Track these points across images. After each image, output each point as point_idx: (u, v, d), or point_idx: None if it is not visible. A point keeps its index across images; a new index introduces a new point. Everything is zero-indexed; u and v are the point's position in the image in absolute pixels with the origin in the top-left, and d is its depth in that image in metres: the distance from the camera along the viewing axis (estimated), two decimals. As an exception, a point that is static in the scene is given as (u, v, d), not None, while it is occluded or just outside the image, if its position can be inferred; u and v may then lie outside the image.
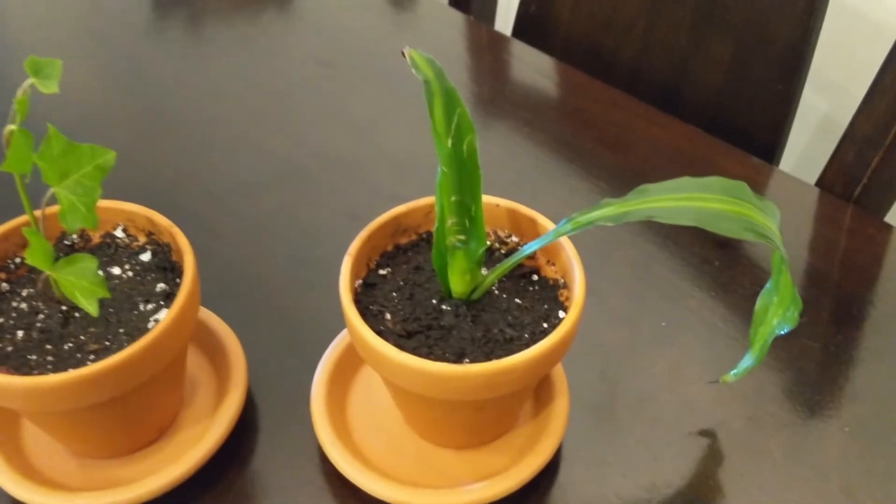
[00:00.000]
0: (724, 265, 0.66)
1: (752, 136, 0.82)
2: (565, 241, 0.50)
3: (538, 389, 0.55)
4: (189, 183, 0.73)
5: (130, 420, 0.49)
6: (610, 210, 0.45)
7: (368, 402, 0.55)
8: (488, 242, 0.53)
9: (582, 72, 0.86)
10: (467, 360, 0.46)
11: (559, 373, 0.55)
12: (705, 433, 0.55)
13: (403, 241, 0.53)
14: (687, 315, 0.62)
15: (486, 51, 0.93)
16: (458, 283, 0.48)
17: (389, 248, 0.52)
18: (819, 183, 0.75)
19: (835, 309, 0.63)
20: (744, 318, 0.62)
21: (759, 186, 0.74)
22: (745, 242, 0.69)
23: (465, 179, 0.47)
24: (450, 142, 0.46)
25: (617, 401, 0.57)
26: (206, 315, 0.57)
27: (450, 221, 0.48)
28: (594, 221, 0.45)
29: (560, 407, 0.53)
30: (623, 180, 0.74)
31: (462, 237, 0.48)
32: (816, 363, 0.59)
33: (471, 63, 0.90)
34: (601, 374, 0.58)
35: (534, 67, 0.88)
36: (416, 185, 0.72)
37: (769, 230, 0.46)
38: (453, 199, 0.47)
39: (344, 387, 0.55)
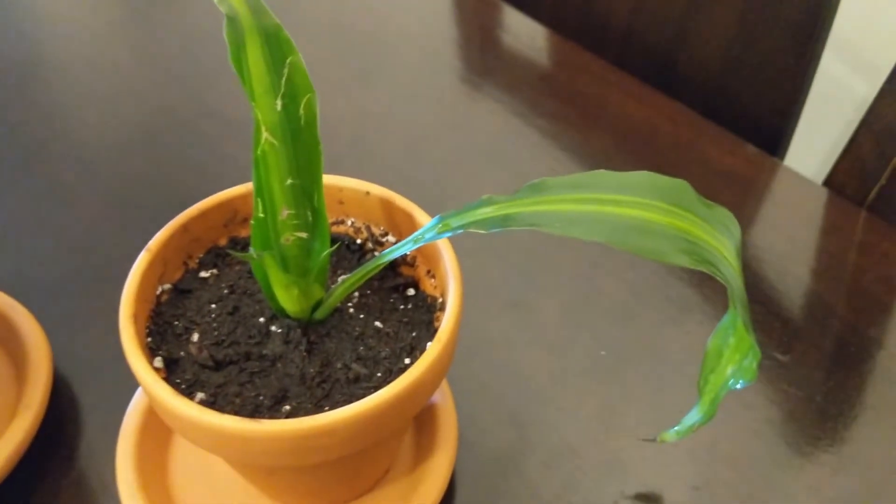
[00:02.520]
0: (695, 281, 0.53)
1: (755, 120, 0.68)
2: (445, 250, 0.37)
3: (419, 435, 0.42)
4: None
5: None
6: (488, 212, 0.32)
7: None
8: (359, 240, 0.40)
9: (565, 38, 0.72)
10: (288, 407, 0.33)
11: (448, 416, 0.42)
12: (637, 503, 0.42)
13: (244, 233, 0.40)
14: (634, 343, 0.49)
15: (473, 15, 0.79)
16: (286, 300, 0.35)
17: (223, 241, 0.40)
18: (828, 182, 0.60)
19: (829, 347, 0.50)
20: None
21: (753, 182, 0.60)
22: (726, 252, 0.55)
23: (304, 156, 0.34)
24: (279, 102, 0.33)
25: (527, 452, 0.44)
26: (13, 310, 0.45)
27: (285, 213, 0.35)
28: (468, 225, 0.32)
29: (441, 462, 0.40)
30: (582, 163, 0.60)
31: (303, 235, 0.36)
32: (796, 418, 0.46)
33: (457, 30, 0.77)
34: (511, 417, 0.45)
35: (501, 26, 0.74)
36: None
37: (716, 254, 0.32)
38: (289, 182, 0.35)
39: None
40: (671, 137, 0.62)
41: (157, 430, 0.42)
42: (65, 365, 0.46)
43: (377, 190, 0.39)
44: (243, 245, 0.40)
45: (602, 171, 0.33)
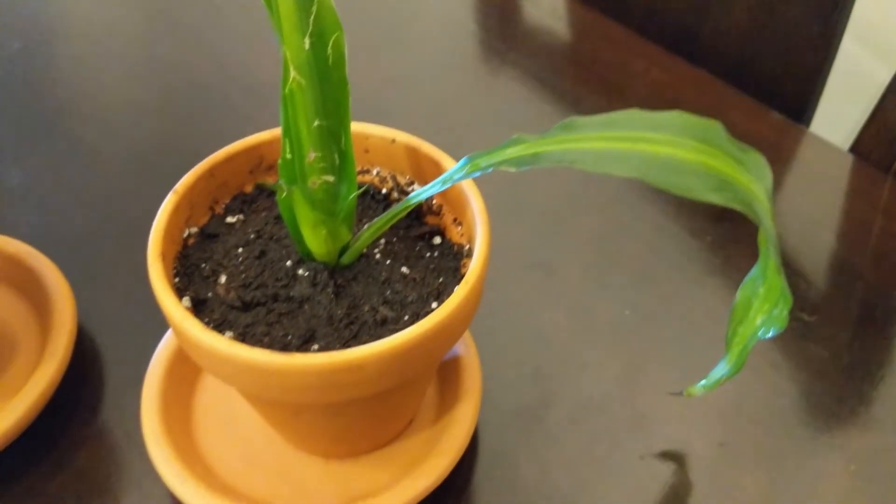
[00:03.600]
0: (719, 242, 0.52)
1: (780, 89, 0.67)
2: (471, 194, 0.36)
3: (443, 387, 0.42)
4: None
5: None
6: (518, 150, 0.31)
7: (225, 389, 0.42)
8: (385, 190, 0.40)
9: (588, 6, 0.72)
10: (316, 346, 0.33)
11: (472, 368, 0.42)
12: (661, 458, 0.42)
13: (270, 180, 0.40)
14: (659, 303, 0.49)
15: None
16: (313, 242, 0.35)
17: (248, 188, 0.39)
18: (854, 148, 0.60)
19: (855, 309, 0.49)
20: (733, 311, 0.48)
21: (778, 149, 0.59)
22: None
23: (331, 96, 0.34)
24: (307, 41, 0.33)
25: (550, 408, 0.44)
26: (37, 261, 0.46)
27: (312, 156, 0.35)
28: (498, 164, 0.32)
29: (464, 414, 0.40)
30: (608, 131, 0.60)
31: (329, 178, 0.35)
32: (822, 377, 0.45)
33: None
34: (536, 373, 0.45)
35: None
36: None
37: (750, 194, 0.32)
38: (316, 124, 0.34)
39: (194, 368, 0.43)
40: (695, 104, 0.62)
41: (181, 379, 0.42)
42: (88, 318, 0.46)
43: (403, 137, 0.39)
44: (269, 192, 0.40)
45: (634, 109, 0.32)
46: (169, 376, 0.41)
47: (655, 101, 0.62)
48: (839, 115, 0.70)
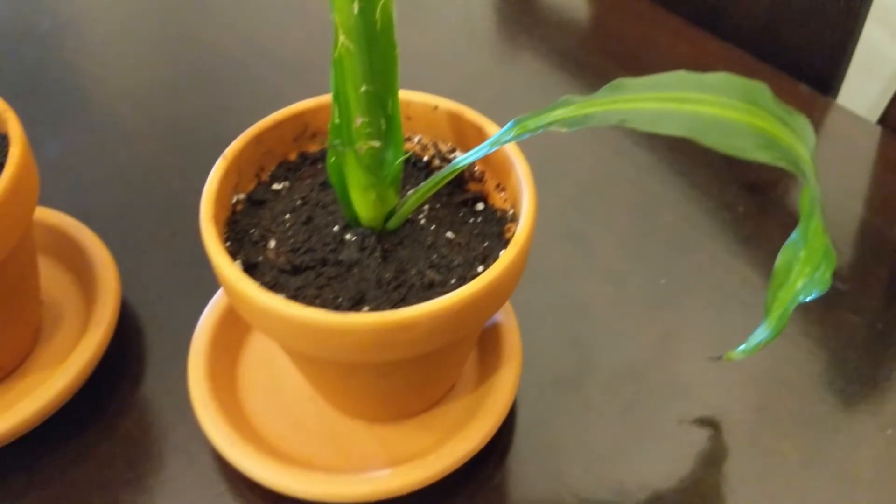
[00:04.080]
0: (750, 213, 0.52)
1: (806, 64, 0.67)
2: (516, 158, 0.37)
3: (484, 353, 0.42)
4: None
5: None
6: (568, 111, 0.32)
7: (270, 355, 0.43)
8: (426, 157, 0.40)
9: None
10: (366, 308, 0.34)
11: (511, 334, 0.42)
12: (699, 424, 0.43)
13: (313, 148, 0.40)
14: (694, 272, 0.49)
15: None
16: (362, 206, 0.35)
17: (292, 156, 0.40)
18: (882, 120, 0.60)
19: (888, 277, 0.49)
20: (767, 279, 0.49)
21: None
22: (781, 187, 0.55)
23: (379, 61, 0.34)
24: (356, 6, 0.33)
25: (588, 375, 0.44)
26: (79, 231, 0.46)
27: (359, 121, 0.35)
28: (547, 125, 0.32)
29: (506, 379, 0.41)
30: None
31: (375, 144, 0.36)
32: (856, 344, 0.46)
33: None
34: (573, 341, 0.46)
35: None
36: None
37: (796, 153, 0.32)
38: (363, 89, 0.35)
39: (239, 333, 0.43)
40: (722, 78, 0.62)
41: (225, 346, 0.42)
42: (128, 289, 0.47)
43: (445, 104, 0.39)
44: (313, 160, 0.40)
45: (681, 71, 0.33)
46: (214, 343, 0.41)
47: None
48: (863, 91, 0.70)
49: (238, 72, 0.63)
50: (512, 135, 0.33)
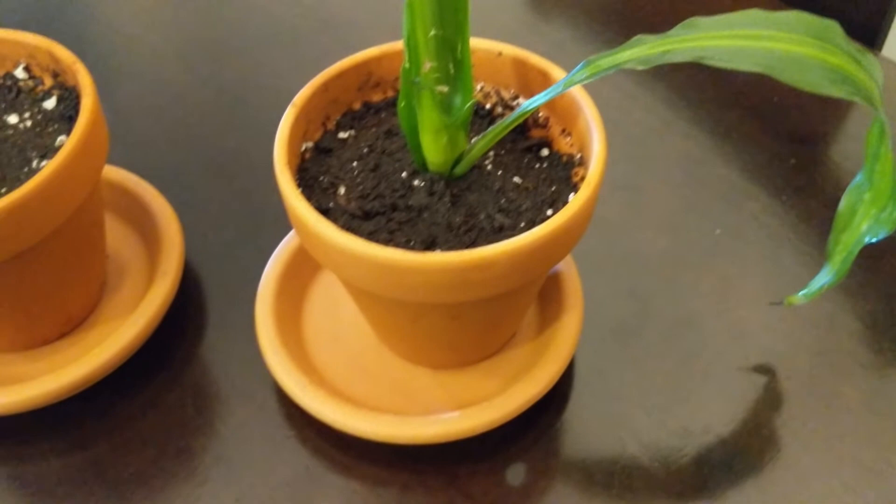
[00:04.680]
0: (802, 164, 0.52)
1: (849, 17, 0.67)
2: (584, 101, 0.37)
3: (545, 303, 0.43)
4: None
5: (34, 309, 0.40)
6: (643, 49, 0.32)
7: (333, 304, 0.43)
8: (489, 105, 0.41)
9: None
10: (439, 251, 0.34)
11: (573, 283, 0.43)
12: (759, 370, 0.43)
13: (376, 98, 0.41)
14: (748, 222, 0.49)
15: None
16: (432, 150, 0.36)
17: (356, 105, 0.40)
18: (933, 72, 0.60)
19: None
20: (820, 229, 0.49)
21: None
22: (830, 139, 0.55)
23: (449, 6, 0.34)
24: (427, -51, 0.33)
25: (648, 323, 0.45)
26: (141, 187, 0.47)
27: (428, 66, 0.35)
28: (621, 64, 0.32)
29: (569, 324, 0.41)
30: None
31: (444, 88, 0.36)
32: (914, 291, 0.46)
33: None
34: (631, 291, 0.46)
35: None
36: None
37: (867, 89, 0.32)
38: (432, 33, 0.35)
39: (302, 284, 0.44)
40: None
41: (290, 296, 0.43)
42: (190, 244, 0.47)
43: (510, 50, 0.39)
44: (376, 109, 0.40)
45: (754, 9, 0.33)
46: (280, 293, 0.42)
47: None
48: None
49: (281, 33, 0.63)
50: (584, 75, 0.33)
